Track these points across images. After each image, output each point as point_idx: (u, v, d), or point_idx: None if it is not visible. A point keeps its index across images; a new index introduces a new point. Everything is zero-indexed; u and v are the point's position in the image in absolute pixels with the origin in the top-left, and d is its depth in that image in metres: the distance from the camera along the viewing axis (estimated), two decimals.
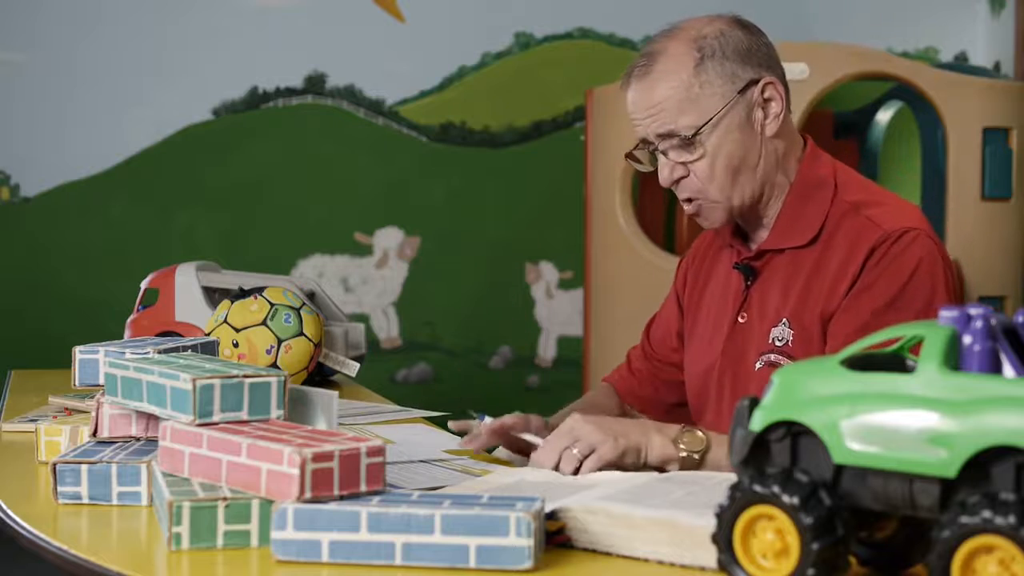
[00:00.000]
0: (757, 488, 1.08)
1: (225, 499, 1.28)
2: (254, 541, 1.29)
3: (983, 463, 0.98)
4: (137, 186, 4.35)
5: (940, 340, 1.03)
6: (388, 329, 4.56)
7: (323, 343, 2.58)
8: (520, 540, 1.19)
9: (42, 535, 1.38)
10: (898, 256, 1.78)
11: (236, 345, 2.43)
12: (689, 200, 1.88)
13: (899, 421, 1.02)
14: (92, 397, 1.84)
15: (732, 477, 1.18)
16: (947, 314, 1.05)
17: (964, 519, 0.96)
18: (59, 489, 1.49)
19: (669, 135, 1.83)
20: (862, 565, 1.16)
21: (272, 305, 2.48)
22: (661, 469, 1.69)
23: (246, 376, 1.39)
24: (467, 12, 4.57)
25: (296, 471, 1.21)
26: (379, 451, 1.26)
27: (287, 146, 4.47)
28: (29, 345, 4.13)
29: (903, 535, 1.14)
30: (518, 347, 4.66)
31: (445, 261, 4.58)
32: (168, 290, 2.75)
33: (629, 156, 1.91)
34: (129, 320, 2.79)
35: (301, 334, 2.49)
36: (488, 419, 1.88)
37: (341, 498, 1.23)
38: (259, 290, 2.52)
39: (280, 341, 2.46)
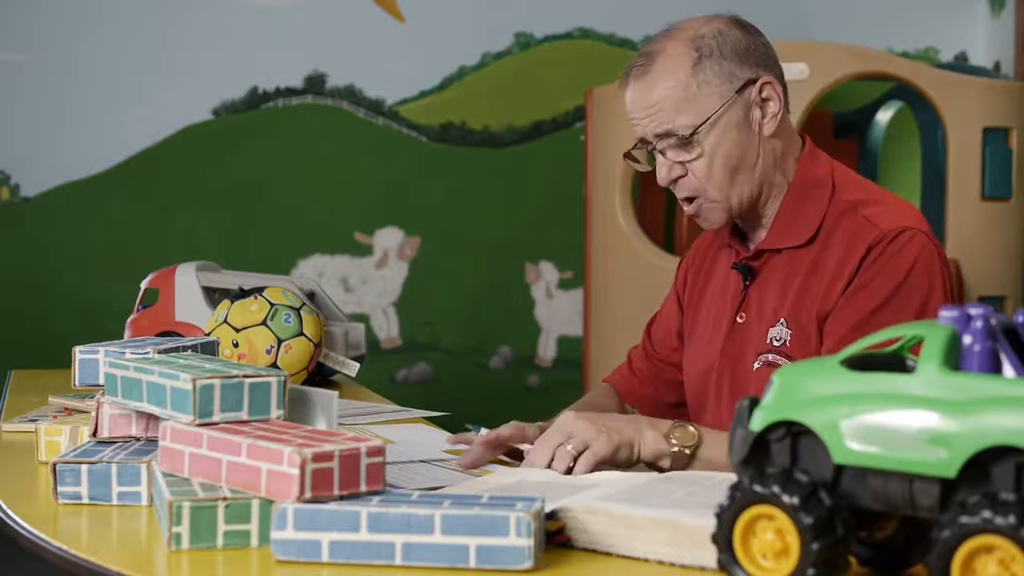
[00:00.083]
0: (757, 488, 1.08)
1: (225, 499, 1.28)
2: (254, 541, 1.29)
3: (983, 463, 0.98)
4: (137, 186, 4.36)
5: (940, 340, 1.03)
6: (388, 329, 4.56)
7: (323, 343, 2.58)
8: (520, 540, 1.19)
9: (42, 535, 1.38)
10: (894, 255, 1.78)
11: (236, 345, 2.43)
12: (688, 199, 1.89)
13: (899, 421, 1.02)
14: (92, 397, 1.84)
15: (731, 476, 1.18)
16: (947, 314, 1.06)
17: (964, 519, 0.96)
18: (59, 489, 1.49)
19: (667, 135, 1.83)
20: (862, 565, 1.16)
21: (272, 305, 2.48)
22: (653, 464, 1.70)
23: (246, 376, 1.39)
24: (467, 12, 4.58)
25: (296, 471, 1.21)
26: (379, 451, 1.26)
27: (287, 146, 4.47)
28: (29, 345, 4.13)
29: (903, 535, 1.14)
30: (518, 347, 4.67)
31: (445, 261, 4.58)
32: (168, 290, 2.75)
33: (627, 156, 1.92)
34: (129, 320, 2.79)
35: (301, 334, 2.49)
36: (484, 431, 1.88)
37: (341, 498, 1.23)
38: (259, 290, 2.52)
39: (280, 341, 2.46)
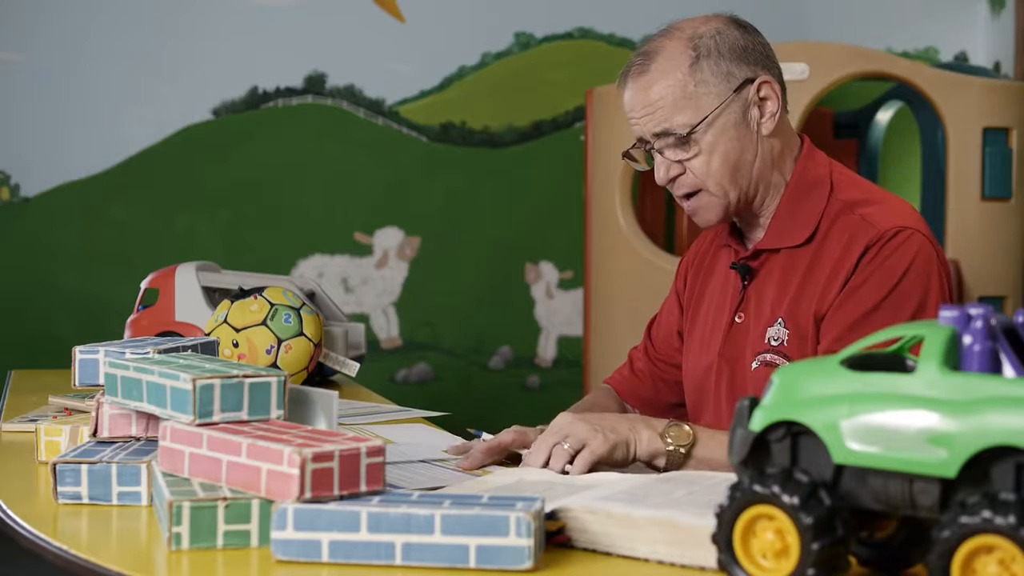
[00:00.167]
0: (757, 488, 1.08)
1: (225, 499, 1.28)
2: (254, 541, 1.29)
3: (983, 463, 0.98)
4: (137, 186, 4.36)
5: (940, 340, 1.03)
6: (388, 329, 4.56)
7: (323, 343, 2.58)
8: (520, 540, 1.19)
9: (42, 535, 1.38)
10: (891, 255, 1.78)
11: (236, 345, 2.43)
12: (686, 196, 1.89)
13: (899, 421, 1.02)
14: (92, 397, 1.84)
15: (731, 476, 1.18)
16: (947, 314, 1.06)
17: (964, 519, 0.96)
18: (59, 489, 1.49)
19: (665, 133, 1.84)
20: (862, 565, 1.16)
21: (272, 305, 2.48)
22: (649, 463, 1.70)
23: (246, 376, 1.39)
24: (467, 12, 4.58)
25: (296, 471, 1.21)
26: (379, 451, 1.26)
27: (287, 146, 4.47)
28: (29, 345, 4.14)
29: (903, 535, 1.14)
30: (518, 347, 4.67)
31: (445, 261, 4.58)
32: (168, 290, 2.75)
33: (626, 155, 1.92)
34: (129, 320, 2.79)
35: (301, 334, 2.49)
36: (486, 436, 1.88)
37: (341, 498, 1.23)
38: (259, 290, 2.52)
39: (280, 341, 2.46)
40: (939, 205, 3.80)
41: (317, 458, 1.22)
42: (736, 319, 1.91)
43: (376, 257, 4.54)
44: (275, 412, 1.40)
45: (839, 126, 4.33)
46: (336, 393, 1.46)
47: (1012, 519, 0.94)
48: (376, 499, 1.23)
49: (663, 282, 2.36)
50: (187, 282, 2.75)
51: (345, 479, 1.23)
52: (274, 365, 2.45)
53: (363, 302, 4.53)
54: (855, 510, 1.07)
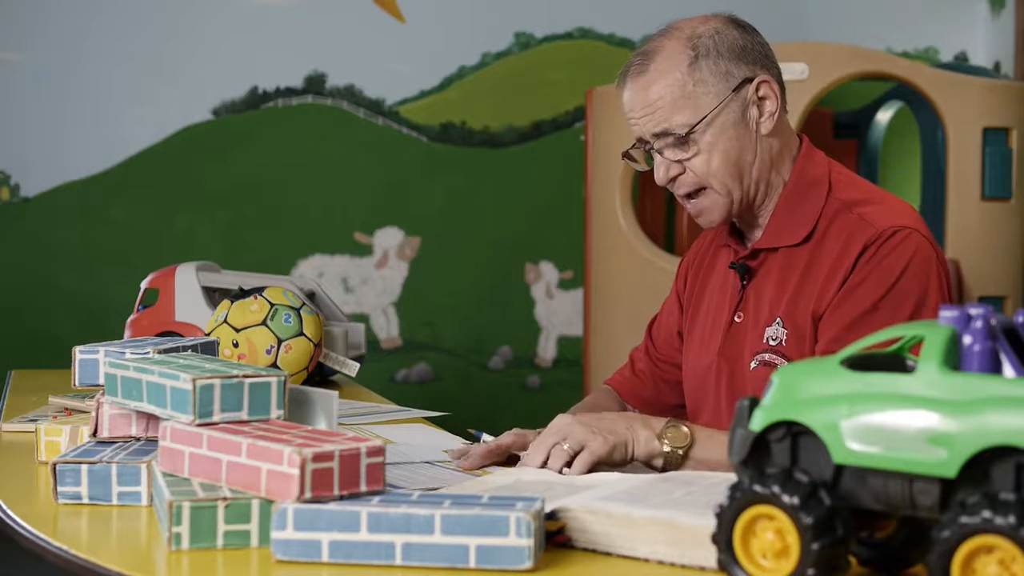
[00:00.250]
0: (757, 488, 1.08)
1: (225, 499, 1.28)
2: (254, 541, 1.29)
3: (983, 463, 0.98)
4: (137, 186, 4.36)
5: (940, 340, 1.03)
6: (388, 329, 4.56)
7: (323, 343, 2.58)
8: (520, 540, 1.19)
9: (42, 535, 1.38)
10: (889, 255, 1.78)
11: (236, 345, 2.43)
12: (687, 196, 1.89)
13: (899, 421, 1.02)
14: (92, 397, 1.84)
15: (730, 476, 1.18)
16: (947, 314, 1.06)
17: (964, 519, 0.96)
18: (59, 489, 1.49)
19: (664, 133, 1.84)
20: (862, 565, 1.16)
21: (272, 305, 2.48)
22: (646, 463, 1.71)
23: (246, 376, 1.39)
24: (467, 12, 4.58)
25: (296, 471, 1.21)
26: (379, 451, 1.26)
27: (287, 146, 4.47)
28: (29, 345, 4.13)
29: (903, 535, 1.14)
30: (518, 347, 4.66)
31: (445, 261, 4.58)
32: (168, 290, 2.75)
33: (626, 155, 1.92)
34: (129, 320, 2.79)
35: (301, 334, 2.49)
36: (486, 436, 1.88)
37: (341, 498, 1.23)
38: (259, 290, 2.52)
39: (280, 341, 2.46)
40: (939, 205, 3.80)
41: (317, 458, 1.22)
42: (735, 319, 1.91)
43: (376, 257, 4.54)
44: (275, 412, 1.40)
45: (839, 126, 4.33)
46: (336, 393, 1.46)
47: (1012, 519, 0.94)
48: (376, 499, 1.23)
49: (663, 282, 2.36)
50: (187, 282, 2.75)
51: (345, 479, 1.23)
52: (274, 365, 2.45)
53: (363, 302, 4.53)
54: (855, 510, 1.07)
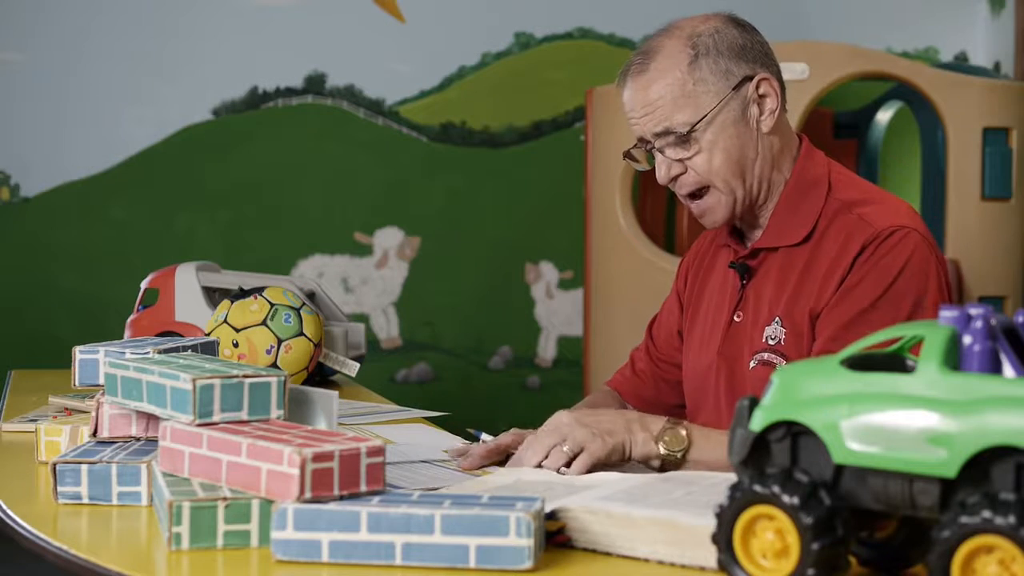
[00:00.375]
0: (757, 488, 1.08)
1: (225, 499, 1.28)
2: (254, 541, 1.29)
3: (983, 463, 0.98)
4: (137, 186, 4.36)
5: (940, 340, 1.03)
6: (388, 329, 4.56)
7: (323, 343, 2.58)
8: (520, 540, 1.19)
9: (42, 535, 1.38)
10: (887, 254, 1.78)
11: (236, 345, 2.43)
12: (690, 196, 1.89)
13: (899, 421, 1.02)
14: (92, 397, 1.84)
15: (731, 476, 1.18)
16: (947, 314, 1.06)
17: (964, 519, 0.96)
18: (59, 489, 1.49)
19: (665, 132, 1.84)
20: (862, 565, 1.16)
21: (272, 305, 2.48)
22: (643, 463, 1.71)
23: (246, 376, 1.39)
24: (467, 12, 4.58)
25: (296, 471, 1.21)
26: (379, 451, 1.26)
27: (287, 146, 4.47)
28: (29, 345, 4.13)
29: (903, 535, 1.14)
30: (518, 347, 4.67)
31: (445, 261, 4.58)
32: (168, 290, 2.75)
33: (627, 155, 1.92)
34: (129, 320, 2.79)
35: (301, 334, 2.49)
36: (486, 436, 1.88)
37: (341, 498, 1.23)
38: (259, 290, 2.52)
39: (280, 341, 2.46)
40: (939, 205, 3.80)
41: (317, 458, 1.22)
42: (735, 318, 1.91)
43: (376, 257, 4.54)
44: (275, 412, 1.40)
45: (839, 126, 4.33)
46: (336, 393, 1.46)
47: (1012, 519, 0.94)
48: (376, 499, 1.23)
49: (663, 282, 2.36)
50: (187, 282, 2.75)
51: (345, 479, 1.23)
52: (274, 365, 2.45)
53: (363, 302, 4.53)
54: (855, 510, 1.07)
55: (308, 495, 1.21)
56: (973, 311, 1.05)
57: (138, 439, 1.57)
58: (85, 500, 1.49)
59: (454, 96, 4.57)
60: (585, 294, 4.11)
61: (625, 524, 1.25)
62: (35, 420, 2.04)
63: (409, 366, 4.58)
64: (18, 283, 4.26)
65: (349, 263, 4.51)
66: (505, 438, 1.80)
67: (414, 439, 2.02)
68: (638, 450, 1.71)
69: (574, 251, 4.46)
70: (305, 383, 2.44)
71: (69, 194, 4.31)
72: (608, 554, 1.26)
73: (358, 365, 2.64)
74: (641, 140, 1.89)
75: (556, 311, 4.69)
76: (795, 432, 1.09)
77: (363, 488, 1.25)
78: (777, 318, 1.84)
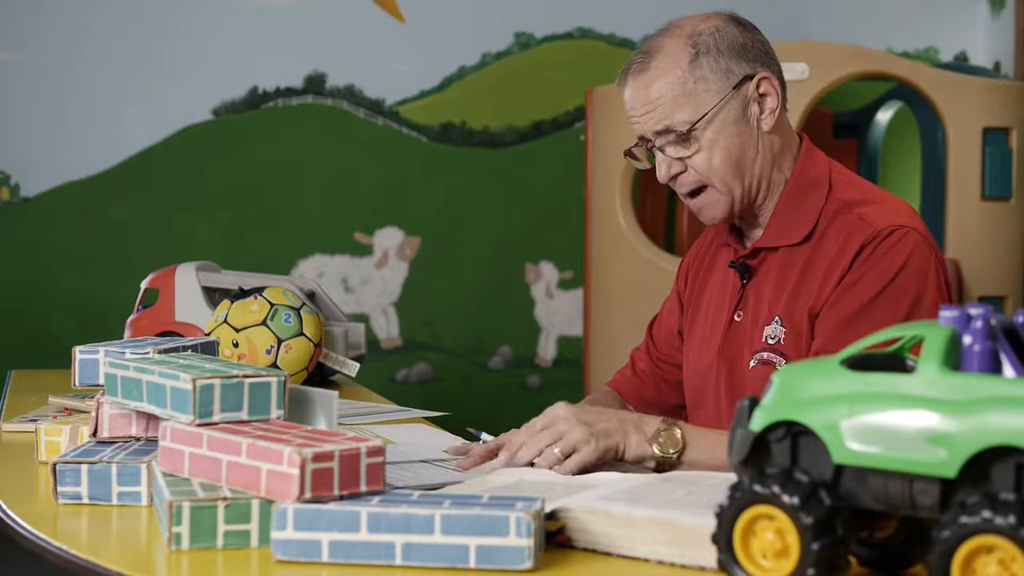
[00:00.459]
0: (757, 488, 1.08)
1: (225, 499, 1.28)
2: (254, 541, 1.29)
3: (983, 463, 0.98)
4: (137, 186, 4.36)
5: (940, 340, 1.03)
6: (388, 329, 4.56)
7: (323, 343, 2.58)
8: (520, 540, 1.19)
9: (42, 535, 1.38)
10: (886, 254, 1.78)
11: (236, 345, 2.43)
12: (690, 194, 1.89)
13: (899, 421, 1.02)
14: (92, 397, 1.84)
15: (732, 476, 1.18)
16: (947, 314, 1.06)
17: (964, 519, 0.96)
18: (59, 489, 1.49)
19: (665, 131, 1.84)
20: (862, 565, 1.16)
21: (272, 305, 2.48)
22: (638, 463, 1.71)
23: (246, 376, 1.39)
24: (467, 12, 4.58)
25: (296, 471, 1.21)
26: (379, 451, 1.26)
27: (287, 146, 4.47)
28: (29, 345, 4.13)
29: (903, 535, 1.14)
30: (518, 347, 4.67)
31: (445, 261, 4.58)
32: (168, 290, 2.75)
33: (628, 153, 1.92)
34: (129, 320, 2.79)
35: (301, 334, 2.49)
36: (486, 436, 1.88)
37: (341, 498, 1.23)
38: (259, 290, 2.52)
39: (280, 341, 2.46)
40: (939, 205, 3.80)
41: (317, 458, 1.22)
42: (735, 318, 1.91)
43: (376, 257, 4.54)
44: (275, 412, 1.40)
45: (839, 126, 4.33)
46: (336, 393, 1.46)
47: (1012, 519, 0.94)
48: (376, 499, 1.23)
49: (663, 282, 2.36)
50: (187, 282, 2.75)
51: (345, 479, 1.23)
52: (274, 365, 2.45)
53: (363, 302, 4.53)
54: (855, 510, 1.07)
55: (308, 495, 1.21)
56: (973, 311, 1.05)
57: (138, 439, 1.57)
58: (85, 500, 1.49)
59: (454, 96, 4.57)
60: (585, 294, 4.11)
61: (625, 524, 1.25)
62: (35, 420, 2.04)
63: (409, 366, 4.58)
64: (18, 283, 4.26)
65: (349, 263, 4.51)
66: (504, 439, 1.80)
67: (414, 439, 2.02)
68: (632, 452, 1.71)
69: (574, 251, 4.46)
70: (305, 383, 2.44)
71: (69, 194, 4.31)
72: (608, 554, 1.26)
73: (358, 365, 2.64)
74: (642, 139, 1.89)
75: (556, 311, 4.69)
76: (795, 432, 1.09)
77: (363, 488, 1.25)
78: (777, 317, 1.84)
